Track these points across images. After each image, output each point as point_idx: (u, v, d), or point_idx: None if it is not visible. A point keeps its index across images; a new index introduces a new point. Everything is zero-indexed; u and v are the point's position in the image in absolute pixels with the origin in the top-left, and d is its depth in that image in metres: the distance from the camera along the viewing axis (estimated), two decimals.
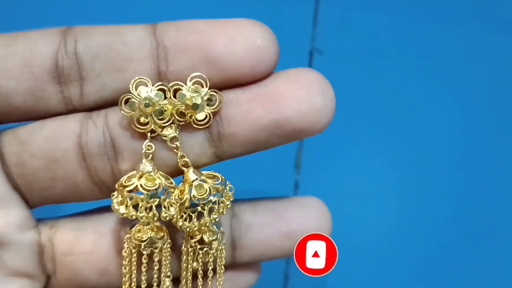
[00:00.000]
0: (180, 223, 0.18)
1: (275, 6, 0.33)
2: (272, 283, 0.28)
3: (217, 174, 0.18)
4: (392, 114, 0.31)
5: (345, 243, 0.29)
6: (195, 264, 0.19)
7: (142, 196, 0.17)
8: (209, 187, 0.18)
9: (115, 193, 0.17)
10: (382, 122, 0.31)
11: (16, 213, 0.18)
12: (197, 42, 0.16)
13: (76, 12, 0.33)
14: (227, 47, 0.16)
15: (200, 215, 0.18)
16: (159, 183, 0.17)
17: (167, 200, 0.17)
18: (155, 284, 0.19)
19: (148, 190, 0.17)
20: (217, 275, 0.19)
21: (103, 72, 0.17)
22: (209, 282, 0.19)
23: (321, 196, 0.30)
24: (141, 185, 0.17)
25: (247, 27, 0.16)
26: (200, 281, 0.19)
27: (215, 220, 0.18)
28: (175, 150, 0.17)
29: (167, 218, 0.17)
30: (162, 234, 0.18)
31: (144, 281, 0.19)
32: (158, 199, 0.17)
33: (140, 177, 0.17)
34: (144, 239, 0.18)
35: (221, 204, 0.18)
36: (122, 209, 0.17)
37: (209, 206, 0.18)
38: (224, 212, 0.18)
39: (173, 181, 0.18)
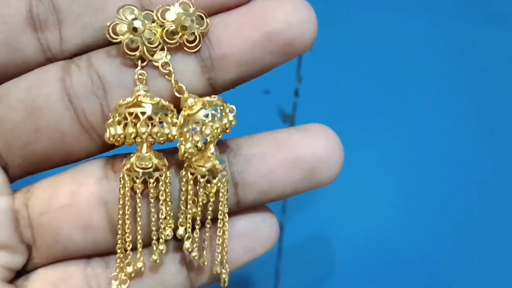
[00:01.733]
0: (188, 146, 0.16)
1: None
2: (263, 280, 0.28)
3: (215, 97, 0.17)
4: (383, 109, 0.31)
5: (339, 242, 0.29)
6: (196, 199, 0.17)
7: (143, 110, 0.16)
8: (206, 102, 0.17)
9: (111, 116, 0.16)
10: (373, 117, 0.31)
11: None
12: None
13: None
14: None
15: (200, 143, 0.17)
16: (159, 100, 0.16)
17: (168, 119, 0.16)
18: (160, 222, 0.17)
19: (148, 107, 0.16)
20: (221, 215, 0.17)
21: (82, 13, 0.17)
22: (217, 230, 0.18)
23: (312, 192, 0.30)
24: (140, 101, 0.16)
25: None
26: (198, 224, 0.17)
27: (217, 133, 0.17)
28: (167, 77, 0.17)
29: (170, 137, 0.16)
30: (164, 162, 0.17)
31: (140, 224, 0.17)
32: (160, 114, 0.16)
33: (137, 99, 0.16)
34: (149, 166, 0.16)
35: (223, 119, 0.17)
36: (119, 129, 0.16)
37: (209, 122, 0.16)
38: (228, 129, 0.17)
39: (170, 105, 0.17)
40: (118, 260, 0.17)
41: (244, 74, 0.17)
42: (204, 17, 0.17)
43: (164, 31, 0.17)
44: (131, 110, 0.16)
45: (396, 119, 0.31)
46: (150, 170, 0.17)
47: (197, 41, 0.17)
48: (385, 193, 0.30)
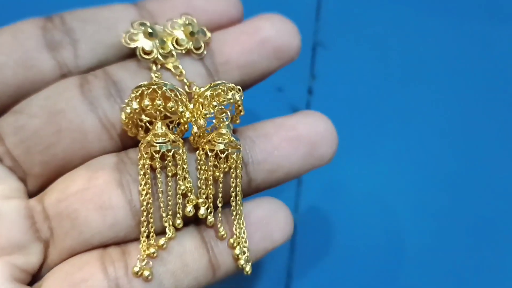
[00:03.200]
0: (201, 122, 0.17)
1: (277, 0, 0.33)
2: (275, 279, 0.28)
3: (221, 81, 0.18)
4: (396, 107, 0.31)
5: (349, 240, 0.28)
6: (214, 176, 0.18)
7: (160, 85, 0.17)
8: (224, 88, 0.18)
9: (129, 96, 0.17)
10: (385, 115, 0.31)
11: (3, 184, 0.17)
12: (179, 3, 0.20)
13: None
14: (205, 4, 0.20)
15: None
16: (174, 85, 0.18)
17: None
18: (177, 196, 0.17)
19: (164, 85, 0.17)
20: (237, 196, 0.18)
21: (95, 32, 0.18)
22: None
23: (325, 191, 0.30)
24: (158, 82, 0.17)
25: None
26: (220, 201, 0.18)
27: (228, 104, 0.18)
28: (178, 77, 0.19)
29: (183, 114, 0.17)
30: (178, 138, 0.18)
31: (162, 201, 0.17)
32: (176, 92, 0.17)
33: (155, 80, 0.18)
34: (166, 140, 0.17)
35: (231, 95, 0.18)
36: (134, 104, 0.17)
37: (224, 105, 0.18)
38: (240, 108, 0.18)
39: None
40: (142, 240, 0.17)
41: (245, 77, 0.19)
42: (206, 30, 0.19)
43: (175, 39, 0.19)
44: (148, 86, 0.17)
45: (409, 117, 0.31)
46: (168, 143, 0.17)
47: (202, 48, 0.19)
48: (401, 191, 0.29)
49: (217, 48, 0.19)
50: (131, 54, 0.19)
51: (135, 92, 0.17)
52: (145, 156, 0.17)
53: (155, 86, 0.17)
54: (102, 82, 0.18)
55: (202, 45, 0.19)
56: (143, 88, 0.17)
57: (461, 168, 0.30)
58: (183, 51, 0.19)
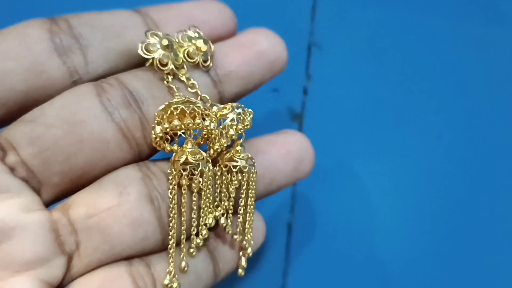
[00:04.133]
0: (224, 141, 0.19)
1: (273, 0, 0.33)
2: (271, 280, 0.28)
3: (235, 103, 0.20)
4: (391, 108, 0.31)
5: (344, 241, 0.28)
6: (228, 186, 0.19)
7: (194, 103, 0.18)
8: (230, 105, 0.19)
9: (157, 117, 0.18)
10: (382, 118, 0.31)
11: (20, 197, 0.16)
12: (181, 12, 0.20)
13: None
14: (210, 14, 0.21)
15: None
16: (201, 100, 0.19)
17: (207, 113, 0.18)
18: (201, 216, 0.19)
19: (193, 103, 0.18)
20: (251, 206, 0.20)
21: (104, 39, 0.18)
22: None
23: (320, 192, 0.30)
24: (187, 100, 0.18)
25: (212, 3, 0.21)
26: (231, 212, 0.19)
27: (242, 130, 0.19)
28: (190, 89, 0.19)
29: (209, 129, 0.18)
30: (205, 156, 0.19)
31: (186, 217, 0.18)
32: (203, 108, 0.18)
33: (187, 98, 0.18)
34: (201, 158, 0.18)
35: (244, 121, 0.19)
36: (166, 124, 0.18)
37: (234, 124, 0.19)
38: (248, 125, 0.19)
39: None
40: (170, 254, 0.18)
41: (244, 87, 0.21)
42: (211, 43, 0.20)
43: (186, 51, 0.20)
44: (181, 106, 0.18)
45: (405, 117, 0.31)
46: (203, 161, 0.18)
47: (209, 60, 0.20)
48: (395, 192, 0.29)
49: (219, 59, 0.20)
50: (140, 62, 0.19)
51: (164, 111, 0.18)
52: (174, 172, 0.18)
53: (183, 106, 0.18)
54: (119, 91, 0.18)
55: (210, 57, 0.20)
56: (173, 108, 0.18)
57: (457, 170, 0.30)
58: (194, 63, 0.20)
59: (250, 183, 0.19)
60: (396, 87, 0.31)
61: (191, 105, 0.18)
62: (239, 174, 0.19)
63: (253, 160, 0.20)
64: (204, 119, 0.18)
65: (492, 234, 0.29)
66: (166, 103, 0.18)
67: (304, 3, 0.33)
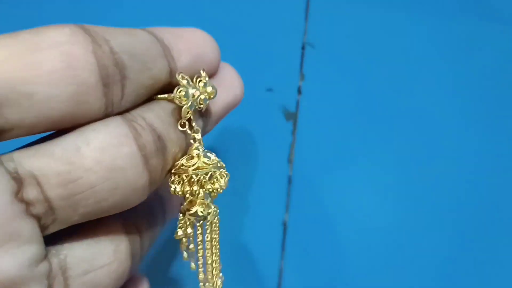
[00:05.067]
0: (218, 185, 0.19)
1: (267, 0, 0.33)
2: (267, 278, 0.28)
3: (214, 160, 0.20)
4: (385, 108, 0.31)
5: (339, 239, 0.29)
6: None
7: (205, 169, 0.18)
8: (216, 158, 0.19)
9: (172, 176, 0.18)
10: (376, 117, 0.31)
11: (30, 246, 0.16)
12: (189, 44, 0.19)
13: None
14: (208, 48, 0.20)
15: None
16: (217, 160, 0.19)
17: (218, 172, 0.19)
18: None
19: (209, 165, 0.19)
20: (213, 248, 0.20)
21: (140, 71, 0.17)
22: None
23: (315, 191, 0.30)
24: (204, 162, 0.18)
25: (205, 35, 0.20)
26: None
27: (216, 191, 0.19)
28: (195, 134, 0.19)
29: (219, 190, 0.19)
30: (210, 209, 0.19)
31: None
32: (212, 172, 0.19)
33: (197, 157, 0.19)
34: (210, 211, 0.19)
35: (216, 178, 0.19)
36: (186, 187, 0.18)
37: (209, 176, 0.19)
38: (221, 190, 0.19)
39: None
40: None
41: (214, 125, 0.21)
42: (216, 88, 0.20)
43: (199, 97, 0.19)
44: (197, 172, 0.18)
45: (400, 116, 0.31)
46: (214, 212, 0.19)
47: (207, 105, 0.20)
48: (389, 191, 0.30)
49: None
50: (152, 97, 0.19)
51: (185, 177, 0.18)
52: (188, 223, 0.19)
53: (204, 172, 0.18)
54: (151, 136, 0.17)
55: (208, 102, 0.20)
56: (193, 175, 0.18)
57: (451, 167, 0.30)
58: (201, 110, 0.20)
59: (215, 230, 0.20)
60: (389, 86, 0.32)
61: (214, 171, 0.19)
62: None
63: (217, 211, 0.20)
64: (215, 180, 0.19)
65: (487, 232, 0.29)
66: (181, 163, 0.18)
67: (298, 2, 0.33)
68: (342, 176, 0.30)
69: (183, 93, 0.18)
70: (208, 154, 0.19)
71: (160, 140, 0.17)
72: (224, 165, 0.19)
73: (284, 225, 0.29)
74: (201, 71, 0.19)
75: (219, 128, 0.22)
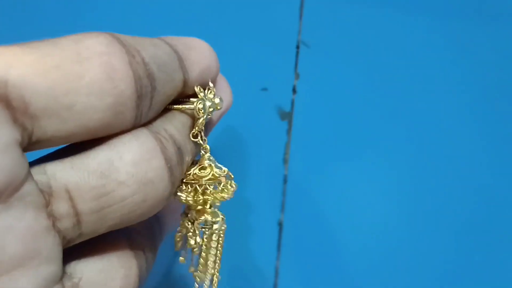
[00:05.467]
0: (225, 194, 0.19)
1: None
2: (263, 278, 0.28)
3: (225, 170, 0.20)
4: (380, 107, 0.31)
5: (335, 238, 0.29)
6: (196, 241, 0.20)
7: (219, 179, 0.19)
8: (225, 169, 0.20)
9: (183, 185, 0.19)
10: (370, 116, 0.31)
11: (47, 267, 0.15)
12: (199, 55, 0.19)
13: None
14: (213, 58, 0.20)
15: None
16: (227, 170, 0.19)
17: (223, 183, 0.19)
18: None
19: (221, 176, 0.19)
20: (216, 258, 0.20)
21: (166, 82, 0.17)
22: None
23: (311, 190, 0.30)
24: (217, 173, 0.19)
25: (208, 46, 0.20)
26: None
27: (222, 199, 0.20)
28: (202, 142, 0.19)
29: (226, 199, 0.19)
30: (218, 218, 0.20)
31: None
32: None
33: (209, 167, 0.19)
34: (218, 220, 0.19)
35: (226, 188, 0.20)
36: (189, 196, 0.19)
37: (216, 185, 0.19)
38: (228, 199, 0.20)
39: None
40: None
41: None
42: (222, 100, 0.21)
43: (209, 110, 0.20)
44: (211, 182, 0.19)
45: (394, 115, 0.31)
46: (222, 221, 0.20)
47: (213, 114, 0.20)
48: (385, 190, 0.30)
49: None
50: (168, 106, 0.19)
51: (198, 187, 0.19)
52: (198, 231, 0.19)
53: (217, 182, 0.19)
54: (174, 148, 0.17)
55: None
56: (207, 185, 0.19)
57: (450, 165, 0.30)
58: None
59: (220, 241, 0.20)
60: (384, 84, 0.32)
61: (225, 180, 0.19)
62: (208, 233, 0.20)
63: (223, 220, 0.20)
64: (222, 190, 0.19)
65: (486, 233, 0.29)
66: (193, 173, 0.19)
67: (292, 1, 0.33)
68: (338, 175, 0.30)
69: (201, 105, 0.18)
70: (219, 165, 0.19)
71: (179, 152, 0.18)
72: (232, 176, 0.19)
73: (280, 224, 0.29)
74: (210, 83, 0.19)
75: (214, 128, 0.22)
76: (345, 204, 0.29)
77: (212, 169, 0.19)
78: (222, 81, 0.22)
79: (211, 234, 0.19)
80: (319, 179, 0.30)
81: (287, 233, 0.28)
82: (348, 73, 0.32)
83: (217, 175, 0.19)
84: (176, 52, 0.18)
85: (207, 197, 0.19)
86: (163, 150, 0.17)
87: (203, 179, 0.19)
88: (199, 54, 0.19)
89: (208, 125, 0.20)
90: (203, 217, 0.19)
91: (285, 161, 0.30)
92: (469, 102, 0.31)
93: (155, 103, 0.17)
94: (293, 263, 0.28)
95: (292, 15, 0.33)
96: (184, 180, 0.19)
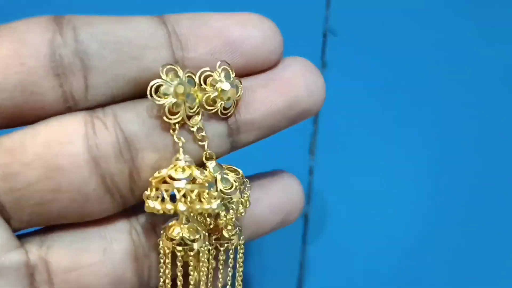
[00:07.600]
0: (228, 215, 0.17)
1: None
2: (288, 271, 0.28)
3: (237, 169, 0.18)
4: (411, 98, 0.30)
5: (362, 232, 0.28)
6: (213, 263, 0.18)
7: (183, 186, 0.16)
8: (234, 180, 0.17)
9: (148, 189, 0.16)
10: (400, 106, 0.30)
11: None
12: (215, 30, 0.16)
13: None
14: (244, 34, 0.16)
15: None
16: (214, 175, 0.17)
17: (207, 191, 0.16)
18: None
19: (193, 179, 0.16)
20: (237, 273, 0.18)
21: (116, 61, 0.16)
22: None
23: (336, 182, 0.29)
24: (196, 175, 0.16)
25: (257, 20, 0.17)
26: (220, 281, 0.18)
27: (241, 215, 0.17)
28: (200, 142, 0.17)
29: (211, 211, 0.16)
30: (197, 235, 0.17)
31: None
32: (197, 190, 0.16)
33: (183, 169, 0.16)
34: (197, 238, 0.16)
35: (242, 203, 0.17)
36: (157, 205, 0.16)
37: (230, 202, 0.17)
38: (243, 213, 0.17)
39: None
40: None
41: (261, 137, 0.18)
42: (240, 84, 0.17)
43: (205, 97, 0.16)
44: (168, 186, 0.16)
45: (426, 106, 0.30)
46: (202, 240, 0.17)
47: (232, 108, 0.17)
48: (415, 182, 0.29)
49: (244, 103, 0.17)
50: (145, 92, 0.16)
51: (154, 188, 0.16)
52: (167, 251, 0.16)
53: (175, 186, 0.16)
54: (113, 137, 0.16)
55: (233, 104, 0.16)
56: (162, 188, 0.16)
57: (466, 164, 0.29)
58: (212, 111, 0.17)
59: (239, 259, 0.18)
60: (415, 75, 0.31)
61: (195, 189, 0.16)
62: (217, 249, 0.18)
63: (241, 230, 0.18)
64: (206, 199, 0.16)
65: (492, 233, 0.28)
66: (157, 175, 0.16)
67: None
68: (365, 166, 0.29)
69: (161, 88, 0.15)
70: (219, 166, 0.17)
71: (127, 143, 0.16)
72: (235, 182, 0.17)
73: (306, 217, 0.28)
74: (218, 64, 0.16)
75: None
76: (372, 196, 0.29)
77: (192, 171, 0.16)
78: (290, 68, 0.17)
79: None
80: (346, 170, 0.29)
81: (313, 225, 0.28)
82: (377, 62, 0.31)
83: (203, 179, 0.16)
84: (168, 29, 0.16)
85: (181, 207, 0.16)
86: (89, 136, 0.15)
87: (175, 183, 0.15)
88: (214, 30, 0.16)
89: (241, 121, 0.17)
90: (178, 233, 0.16)
91: (311, 152, 0.30)
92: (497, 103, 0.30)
93: (96, 84, 0.15)
94: (319, 256, 0.28)
95: (319, 1, 0.32)
96: (153, 182, 0.16)
